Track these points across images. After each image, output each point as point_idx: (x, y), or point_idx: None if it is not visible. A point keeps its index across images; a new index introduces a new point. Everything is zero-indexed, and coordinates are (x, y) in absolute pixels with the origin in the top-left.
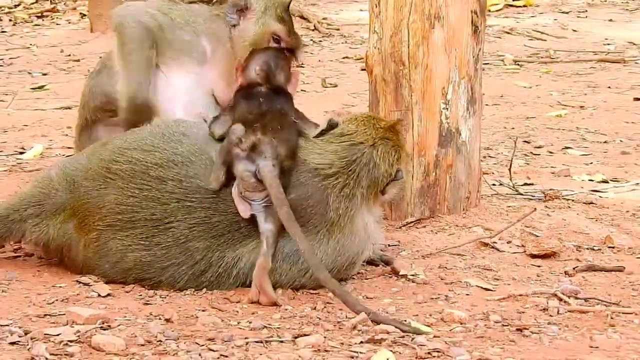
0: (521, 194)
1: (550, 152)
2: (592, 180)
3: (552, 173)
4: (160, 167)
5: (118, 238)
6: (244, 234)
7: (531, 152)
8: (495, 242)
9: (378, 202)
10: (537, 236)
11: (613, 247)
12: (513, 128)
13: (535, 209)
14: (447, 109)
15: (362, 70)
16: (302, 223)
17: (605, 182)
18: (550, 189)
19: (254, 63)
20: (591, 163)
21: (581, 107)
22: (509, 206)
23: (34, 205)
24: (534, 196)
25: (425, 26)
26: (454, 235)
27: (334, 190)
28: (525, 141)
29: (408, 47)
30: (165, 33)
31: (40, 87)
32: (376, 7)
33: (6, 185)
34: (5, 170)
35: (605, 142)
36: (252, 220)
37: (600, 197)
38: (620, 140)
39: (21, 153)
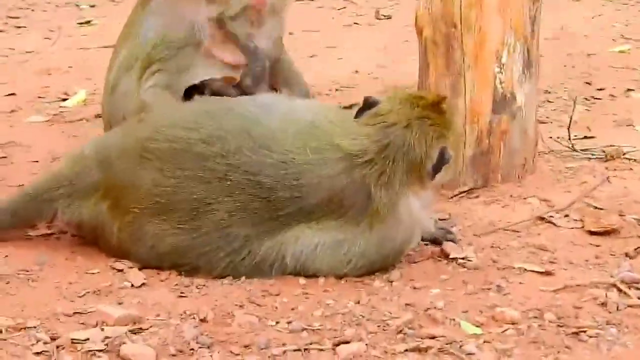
0: (579, 152)
1: (613, 96)
2: None
3: (614, 121)
4: (204, 143)
5: (155, 222)
6: (283, 223)
7: (592, 97)
8: (552, 216)
9: (426, 186)
10: (596, 208)
11: None
12: (573, 67)
13: (598, 183)
14: (502, 73)
15: None
16: (340, 214)
17: None
18: (611, 146)
19: None
20: None
21: None
22: (567, 167)
23: (66, 185)
24: (593, 154)
25: None
26: (509, 208)
27: (372, 178)
28: (586, 82)
29: (460, 8)
30: None
31: (87, 22)
32: None
33: (47, 137)
34: (46, 121)
35: None
36: (292, 208)
37: None
38: None
39: (64, 100)
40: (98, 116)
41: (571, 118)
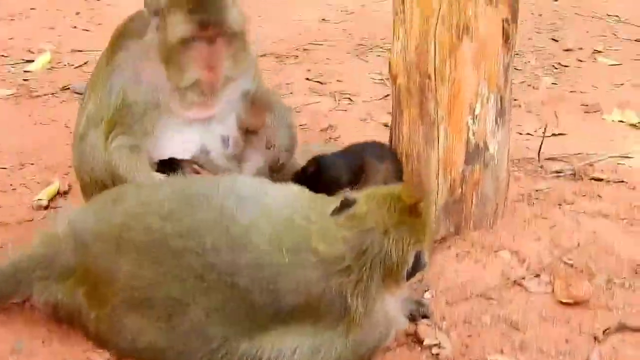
0: (548, 173)
1: (580, 61)
2: (623, 122)
3: (582, 106)
4: (180, 237)
5: (133, 316)
6: (260, 325)
7: (559, 63)
8: (523, 278)
9: (401, 286)
10: (566, 263)
11: None
12: (540, 15)
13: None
14: (475, 124)
15: None
16: (317, 319)
17: (635, 126)
18: (579, 154)
19: None
20: (622, 84)
21: None
22: (537, 191)
23: (41, 267)
24: (563, 172)
25: (453, 39)
26: (480, 264)
27: (348, 287)
28: (553, 39)
29: (435, 60)
30: None
31: None
32: (401, 13)
33: (14, 127)
34: (10, 95)
35: (637, 39)
36: (269, 311)
37: (630, 167)
38: None
39: (29, 61)
40: (65, 88)
41: (541, 145)
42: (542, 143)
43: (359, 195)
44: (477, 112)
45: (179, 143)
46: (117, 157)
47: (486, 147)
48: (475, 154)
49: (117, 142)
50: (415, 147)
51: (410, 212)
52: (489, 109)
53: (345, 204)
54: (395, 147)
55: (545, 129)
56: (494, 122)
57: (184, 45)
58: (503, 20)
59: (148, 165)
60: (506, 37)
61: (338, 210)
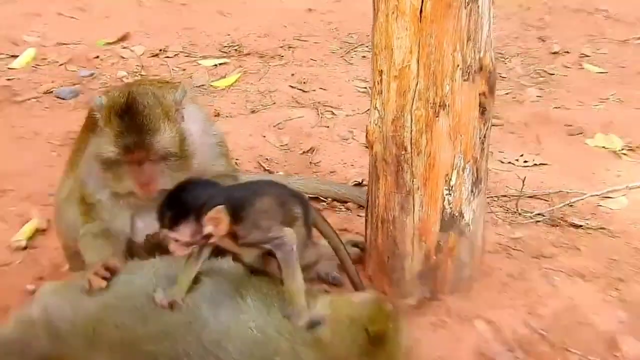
0: (525, 216)
1: (566, 68)
2: (606, 148)
3: (567, 126)
4: (152, 341)
5: None
6: None
7: (545, 71)
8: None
9: None
10: (542, 335)
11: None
12: (529, 8)
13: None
14: (450, 194)
15: None
16: None
17: (617, 154)
18: (559, 191)
19: None
20: (606, 99)
21: None
22: (515, 239)
23: (16, 352)
24: (544, 215)
25: (429, 114)
26: (455, 337)
27: None
28: (540, 38)
29: (411, 133)
30: None
31: None
32: (378, 84)
33: None
34: None
35: (624, 40)
36: None
37: (610, 210)
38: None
39: (13, 56)
40: (48, 92)
41: (518, 199)
42: (519, 198)
43: (325, 315)
44: (452, 182)
45: (141, 225)
46: (84, 243)
47: (461, 216)
48: (450, 222)
49: (84, 230)
50: (390, 213)
51: (378, 342)
52: (464, 179)
53: (312, 325)
54: (372, 211)
55: (523, 181)
56: (470, 191)
57: (112, 163)
58: (480, 94)
59: (109, 250)
60: (482, 110)
61: (307, 328)
